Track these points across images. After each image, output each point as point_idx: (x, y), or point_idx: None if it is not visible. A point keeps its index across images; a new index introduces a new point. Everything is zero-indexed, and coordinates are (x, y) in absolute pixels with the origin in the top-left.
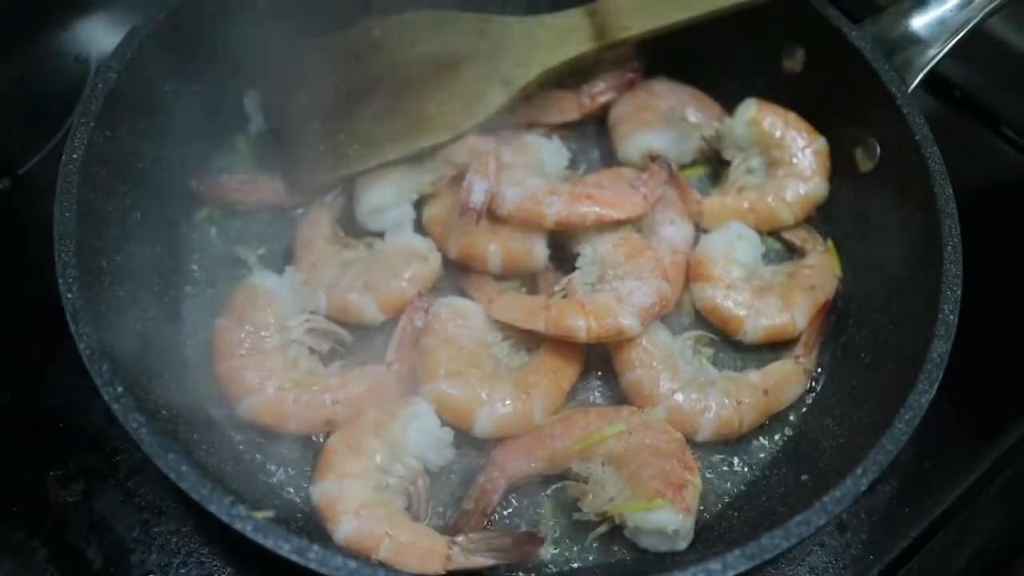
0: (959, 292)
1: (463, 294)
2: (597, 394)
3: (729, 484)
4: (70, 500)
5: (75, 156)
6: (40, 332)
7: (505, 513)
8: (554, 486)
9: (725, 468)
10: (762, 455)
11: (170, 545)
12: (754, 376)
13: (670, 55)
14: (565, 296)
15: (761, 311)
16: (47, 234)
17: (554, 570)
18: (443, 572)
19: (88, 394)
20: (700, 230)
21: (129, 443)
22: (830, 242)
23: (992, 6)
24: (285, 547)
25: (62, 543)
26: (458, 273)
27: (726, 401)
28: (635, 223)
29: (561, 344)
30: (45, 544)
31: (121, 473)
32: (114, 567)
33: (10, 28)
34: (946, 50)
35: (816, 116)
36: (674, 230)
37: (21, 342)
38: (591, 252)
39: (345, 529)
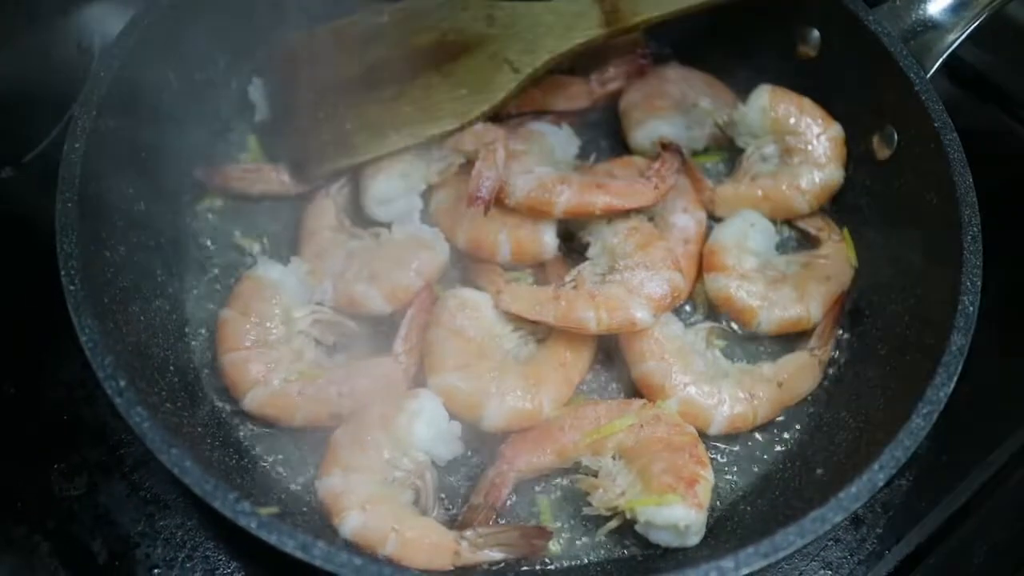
0: (979, 283)
1: (471, 285)
2: (608, 387)
3: (742, 478)
4: (74, 494)
5: (77, 146)
6: (43, 324)
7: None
8: (556, 481)
9: (738, 462)
10: (776, 449)
11: (175, 539)
12: (768, 368)
13: (682, 40)
14: (575, 287)
15: (775, 302)
16: (50, 224)
17: (563, 565)
18: (451, 567)
19: (92, 386)
20: (713, 219)
21: (133, 436)
22: (846, 231)
23: None
24: (289, 543)
25: (66, 537)
26: (466, 263)
27: (740, 394)
28: (647, 212)
29: (571, 336)
30: (49, 538)
31: (126, 466)
32: (119, 561)
33: (13, 16)
34: (965, 35)
35: (831, 102)
36: (686, 219)
37: (24, 334)
38: (601, 242)
39: (351, 524)
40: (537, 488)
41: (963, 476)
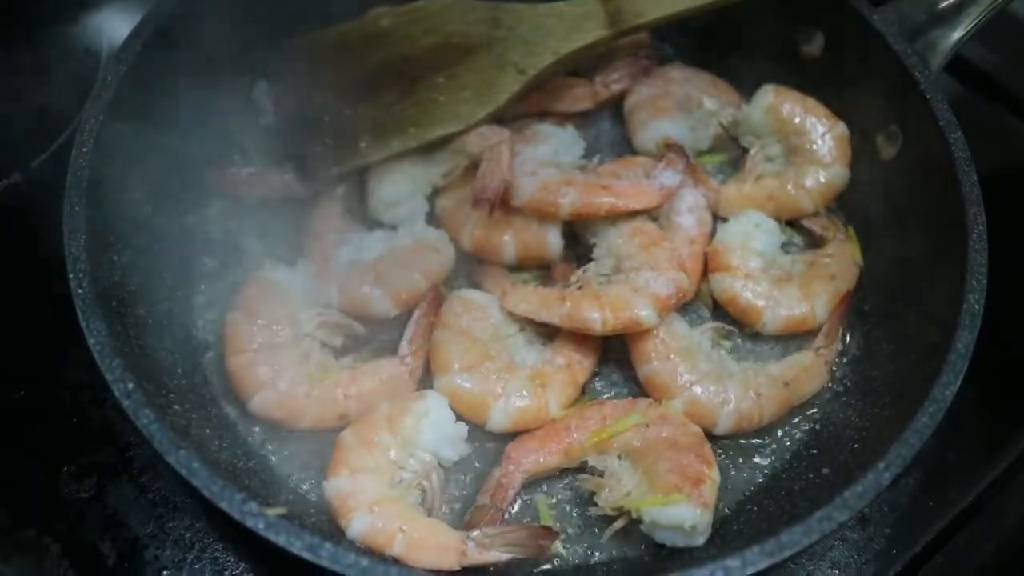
0: (984, 281)
1: (477, 286)
2: (613, 387)
3: (748, 478)
4: (83, 496)
5: (85, 150)
6: (52, 327)
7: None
8: (562, 481)
9: (744, 462)
10: (782, 449)
11: (184, 540)
12: (774, 368)
13: (685, 41)
14: (580, 287)
15: (780, 301)
16: (58, 228)
17: (569, 566)
18: (458, 568)
19: (100, 389)
20: (718, 219)
21: (141, 438)
22: (851, 230)
23: None
24: (297, 544)
25: (76, 539)
26: (472, 265)
27: (745, 394)
28: (651, 213)
29: (576, 336)
30: (58, 540)
31: (134, 468)
32: (128, 563)
33: (20, 21)
34: (970, 33)
35: (836, 102)
36: (691, 219)
37: (32, 337)
38: (606, 243)
39: (358, 525)
40: (542, 489)
41: (970, 475)
